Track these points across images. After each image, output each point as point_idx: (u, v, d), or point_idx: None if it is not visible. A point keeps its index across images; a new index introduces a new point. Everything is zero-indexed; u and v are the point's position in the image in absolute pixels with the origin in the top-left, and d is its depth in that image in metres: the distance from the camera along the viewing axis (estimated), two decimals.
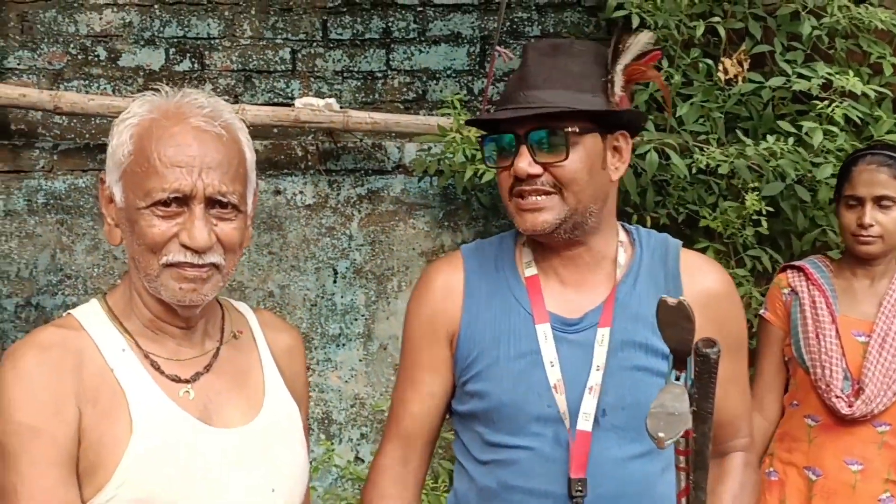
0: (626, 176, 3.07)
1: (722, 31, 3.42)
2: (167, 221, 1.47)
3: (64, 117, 3.63)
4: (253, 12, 3.78)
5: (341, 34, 3.82)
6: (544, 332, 1.78)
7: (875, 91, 3.31)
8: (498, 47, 3.58)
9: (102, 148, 3.63)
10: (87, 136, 3.69)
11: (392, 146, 3.83)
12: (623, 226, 1.91)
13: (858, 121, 3.30)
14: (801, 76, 3.32)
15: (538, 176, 1.74)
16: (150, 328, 1.56)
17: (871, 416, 2.63)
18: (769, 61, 3.49)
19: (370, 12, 3.83)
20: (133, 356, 1.52)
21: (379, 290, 3.84)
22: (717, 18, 3.43)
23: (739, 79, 3.41)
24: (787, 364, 2.80)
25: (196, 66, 3.75)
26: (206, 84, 3.73)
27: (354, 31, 3.83)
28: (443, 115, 3.62)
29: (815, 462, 2.68)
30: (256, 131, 3.41)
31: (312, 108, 3.55)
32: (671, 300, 1.35)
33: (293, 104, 3.64)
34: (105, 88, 3.71)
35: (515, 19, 3.90)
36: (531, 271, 1.84)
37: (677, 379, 1.36)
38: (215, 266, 1.50)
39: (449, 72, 3.88)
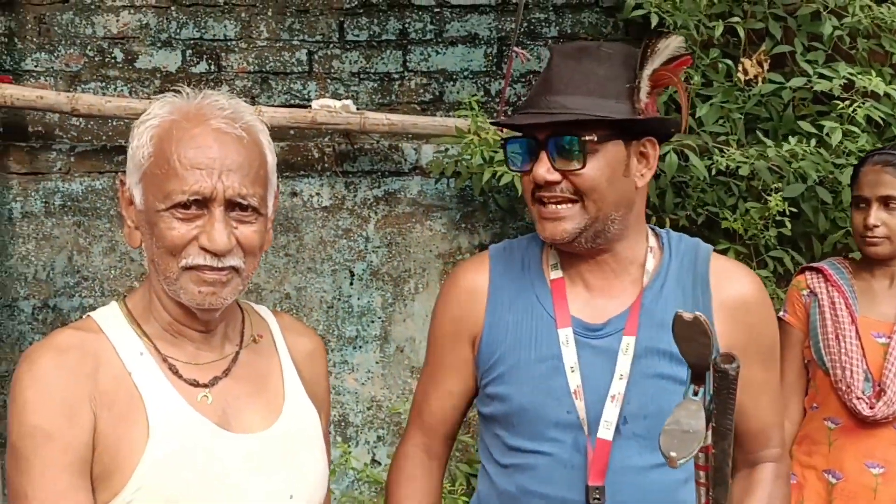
0: None
1: (741, 32, 3.39)
2: (187, 224, 1.45)
3: (81, 119, 3.64)
4: (269, 14, 3.77)
5: (358, 35, 3.81)
6: (566, 336, 1.76)
7: None
8: (515, 48, 3.56)
9: (119, 150, 3.66)
10: (104, 137, 3.69)
11: (409, 148, 3.82)
12: (653, 229, 1.88)
13: (881, 121, 3.27)
14: (822, 76, 3.29)
15: (557, 183, 1.72)
16: (170, 331, 1.55)
17: (892, 418, 2.61)
18: (789, 62, 3.47)
19: (387, 13, 3.82)
20: (151, 360, 1.51)
21: (396, 292, 3.82)
22: (736, 18, 3.41)
23: (759, 79, 3.39)
24: (807, 366, 2.78)
25: (213, 67, 3.75)
26: (222, 86, 3.73)
27: (371, 33, 3.82)
28: (460, 116, 3.61)
29: (836, 465, 2.67)
30: (273, 133, 3.37)
31: (329, 109, 3.54)
32: (687, 315, 1.33)
33: (310, 106, 3.63)
34: (122, 90, 3.70)
35: (532, 20, 3.88)
36: (556, 274, 1.83)
37: (695, 394, 1.34)
38: (235, 269, 1.48)
39: (466, 73, 3.86)
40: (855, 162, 3.17)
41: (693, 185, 3.37)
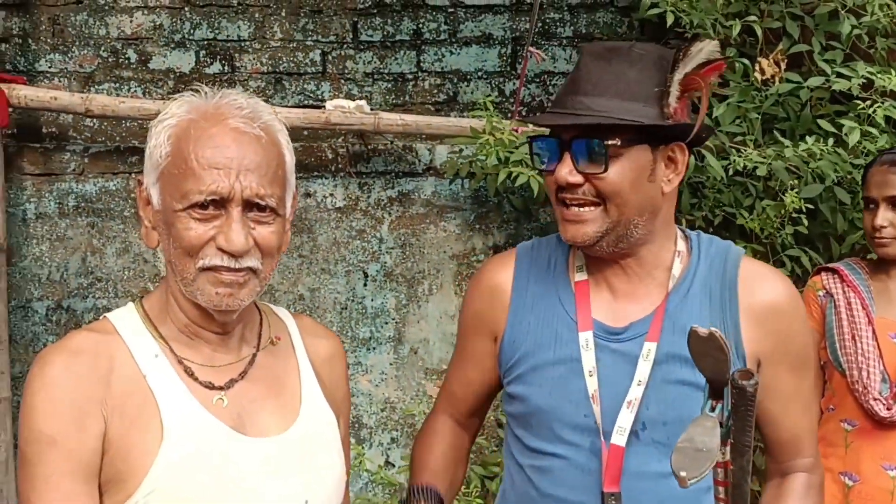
0: None
1: (759, 31, 3.36)
2: (204, 224, 1.44)
3: (95, 120, 3.64)
4: (283, 14, 3.77)
5: (372, 36, 3.80)
6: (586, 339, 1.75)
7: None
8: (531, 48, 3.55)
9: (133, 151, 3.66)
10: (117, 138, 3.69)
11: (423, 148, 3.81)
12: (684, 232, 1.85)
13: None
14: (840, 76, 3.26)
15: (580, 185, 1.70)
16: (186, 333, 1.53)
17: None
18: (807, 61, 3.44)
19: (401, 13, 3.81)
20: (166, 362, 1.50)
21: (409, 293, 3.81)
22: (753, 18, 3.38)
23: (776, 79, 3.36)
24: (823, 368, 2.77)
25: (226, 68, 3.74)
26: (236, 86, 3.72)
27: (385, 33, 3.81)
28: (474, 116, 3.59)
29: (852, 467, 2.66)
30: None
31: (343, 110, 3.53)
32: (702, 330, 1.30)
33: (324, 106, 3.62)
34: (136, 91, 3.70)
35: (547, 20, 3.86)
36: (581, 276, 1.81)
37: (712, 409, 1.32)
38: (252, 270, 1.47)
39: (480, 73, 3.85)
40: None
41: (710, 185, 3.35)
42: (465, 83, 3.85)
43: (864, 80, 3.24)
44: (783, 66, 3.37)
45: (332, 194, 3.77)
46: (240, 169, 1.43)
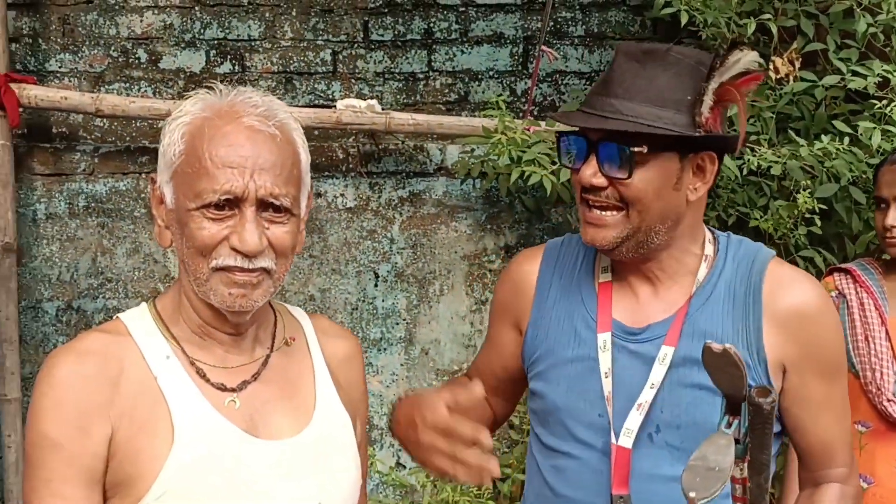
0: None
1: (774, 29, 3.34)
2: (218, 224, 1.42)
3: (105, 120, 3.63)
4: (294, 14, 3.76)
5: (382, 35, 3.79)
6: (604, 340, 1.74)
7: None
8: (544, 47, 3.53)
9: (143, 151, 3.65)
10: (127, 138, 3.68)
11: (434, 148, 3.80)
12: (714, 234, 1.82)
13: None
14: (855, 74, 3.24)
15: (604, 188, 1.68)
16: (199, 334, 1.52)
17: None
18: (821, 60, 3.42)
19: (411, 13, 3.80)
20: (178, 364, 1.49)
21: (420, 293, 3.80)
22: (767, 16, 3.36)
23: (791, 78, 3.34)
24: None
25: (237, 67, 3.74)
26: (246, 86, 3.71)
27: (396, 32, 3.80)
28: (485, 116, 3.58)
29: (866, 469, 2.62)
30: None
31: (354, 109, 3.52)
32: (716, 346, 1.28)
33: (334, 106, 3.61)
34: (146, 91, 3.70)
35: (559, 19, 3.85)
36: (606, 277, 1.80)
37: (728, 426, 1.30)
38: (266, 271, 1.45)
39: (491, 72, 3.83)
40: None
41: (724, 184, 3.33)
42: (477, 83, 3.83)
43: (880, 79, 3.21)
44: (798, 64, 3.35)
45: (342, 194, 3.76)
46: (254, 168, 1.42)
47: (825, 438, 1.76)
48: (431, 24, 3.81)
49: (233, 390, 1.50)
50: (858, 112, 3.33)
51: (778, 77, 3.34)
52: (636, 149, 1.63)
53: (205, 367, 1.50)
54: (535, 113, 3.75)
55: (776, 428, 1.74)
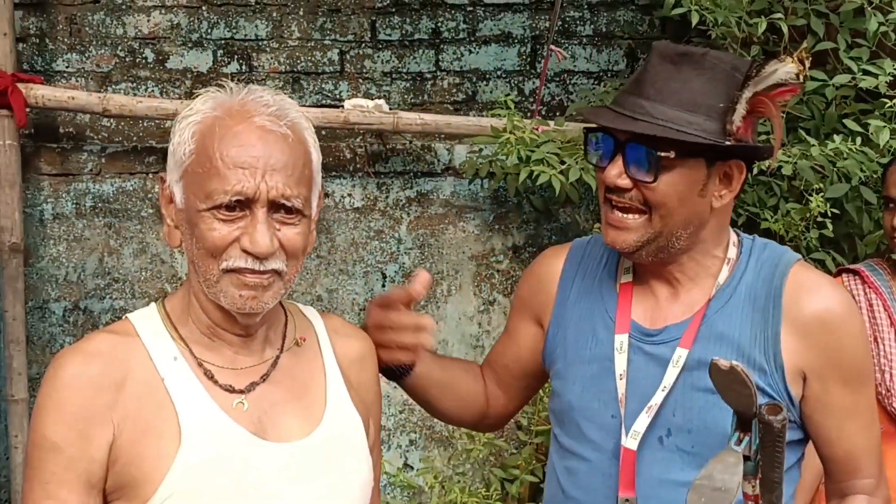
0: None
1: (784, 28, 3.33)
2: (228, 225, 1.41)
3: (112, 120, 3.62)
4: (301, 13, 3.75)
5: (390, 35, 3.78)
6: (621, 342, 1.73)
7: None
8: (552, 46, 3.53)
9: (150, 151, 3.65)
10: (134, 138, 3.68)
11: (441, 148, 3.79)
12: (739, 236, 1.80)
13: None
14: (866, 73, 3.23)
15: (628, 190, 1.66)
16: (207, 335, 1.51)
17: None
18: (832, 59, 3.41)
19: (419, 12, 3.79)
20: (185, 365, 1.48)
21: (428, 294, 3.78)
22: (778, 15, 3.34)
23: (801, 77, 3.32)
24: None
25: (244, 67, 3.73)
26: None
27: (403, 32, 3.79)
28: (493, 116, 3.57)
29: None
30: None
31: (362, 109, 3.51)
32: (723, 363, 1.27)
33: (342, 106, 3.60)
34: (153, 91, 3.69)
35: (567, 18, 3.84)
36: (627, 278, 1.79)
37: (738, 443, 1.28)
38: (277, 272, 1.44)
39: (499, 72, 3.83)
40: None
41: None
42: (485, 82, 3.82)
43: (891, 78, 3.20)
44: (808, 63, 3.32)
45: (350, 194, 3.75)
46: (266, 169, 1.40)
47: (850, 448, 1.73)
48: (439, 24, 3.80)
49: (241, 392, 1.49)
50: (869, 111, 3.32)
51: None
52: (664, 153, 1.61)
53: (213, 368, 1.49)
54: (544, 113, 3.74)
55: (798, 435, 1.73)
